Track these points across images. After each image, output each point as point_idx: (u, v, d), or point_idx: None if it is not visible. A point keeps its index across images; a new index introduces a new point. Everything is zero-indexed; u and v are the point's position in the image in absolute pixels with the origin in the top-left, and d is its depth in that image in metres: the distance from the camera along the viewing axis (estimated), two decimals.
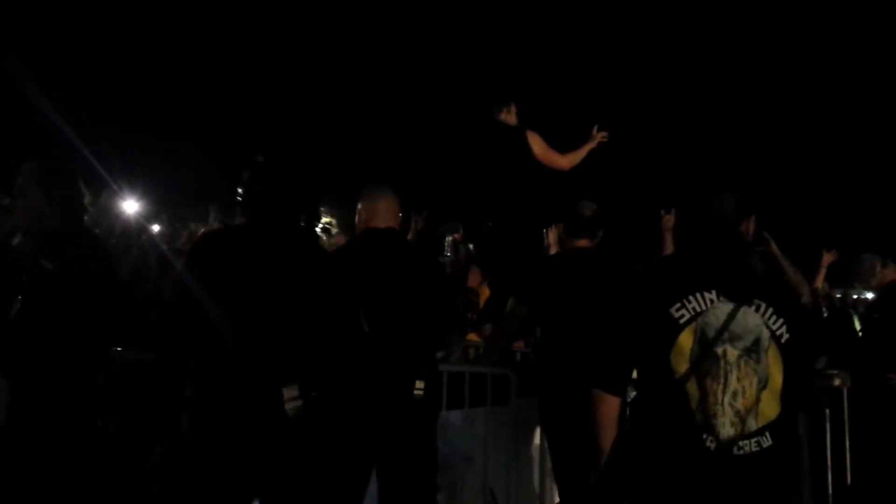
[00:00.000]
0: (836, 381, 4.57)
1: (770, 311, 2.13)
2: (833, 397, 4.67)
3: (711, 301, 2.14)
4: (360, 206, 3.69)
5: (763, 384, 2.11)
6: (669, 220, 5.81)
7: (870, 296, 7.06)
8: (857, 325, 5.36)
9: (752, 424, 2.10)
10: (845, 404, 4.63)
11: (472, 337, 5.37)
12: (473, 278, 6.41)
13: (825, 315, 6.64)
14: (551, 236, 5.66)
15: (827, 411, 4.66)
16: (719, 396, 2.11)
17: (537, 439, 4.15)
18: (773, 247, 5.02)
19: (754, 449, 2.10)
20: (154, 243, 6.47)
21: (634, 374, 2.35)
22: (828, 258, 6.40)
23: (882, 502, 3.91)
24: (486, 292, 6.28)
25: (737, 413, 2.10)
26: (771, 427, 2.11)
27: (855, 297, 7.80)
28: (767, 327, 2.12)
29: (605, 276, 3.91)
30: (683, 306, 2.15)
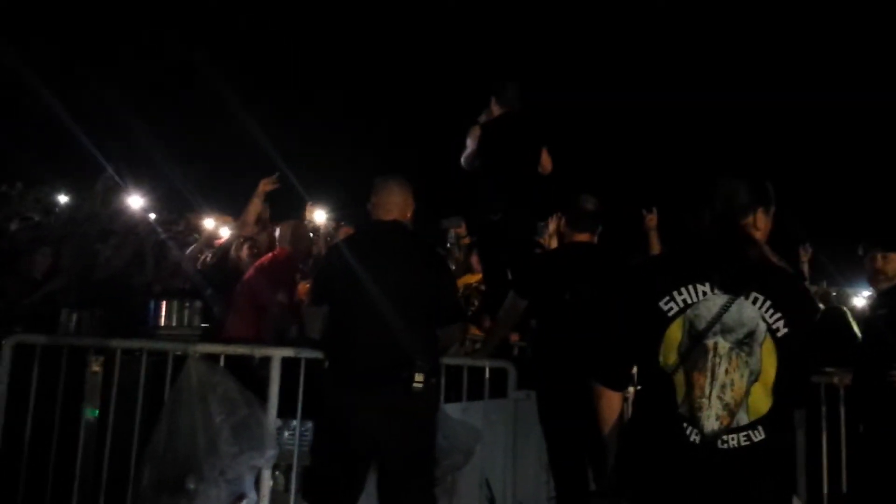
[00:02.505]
0: (835, 379, 4.57)
1: (768, 304, 2.09)
2: (830, 395, 4.67)
3: (704, 293, 2.11)
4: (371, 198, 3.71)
5: (754, 377, 2.07)
6: (653, 219, 5.78)
7: (866, 294, 7.03)
8: (854, 324, 5.33)
9: (743, 418, 2.07)
10: (842, 403, 4.63)
11: (475, 331, 5.34)
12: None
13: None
14: (551, 228, 5.64)
15: (823, 409, 4.66)
16: (706, 389, 2.08)
17: (534, 433, 4.14)
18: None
19: (743, 443, 2.06)
20: (151, 231, 6.44)
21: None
22: (805, 255, 6.33)
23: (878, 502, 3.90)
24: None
25: (725, 406, 2.07)
26: (763, 421, 2.07)
27: (852, 296, 7.79)
28: (764, 320, 2.08)
29: (605, 271, 3.90)
30: (672, 299, 2.13)
